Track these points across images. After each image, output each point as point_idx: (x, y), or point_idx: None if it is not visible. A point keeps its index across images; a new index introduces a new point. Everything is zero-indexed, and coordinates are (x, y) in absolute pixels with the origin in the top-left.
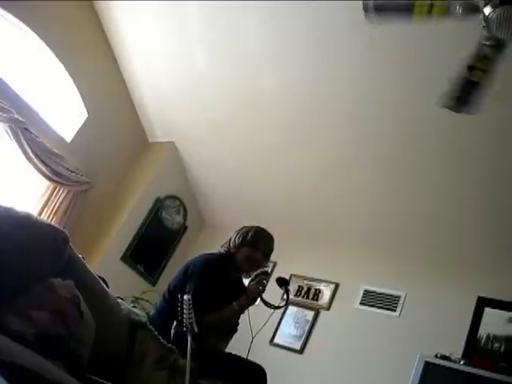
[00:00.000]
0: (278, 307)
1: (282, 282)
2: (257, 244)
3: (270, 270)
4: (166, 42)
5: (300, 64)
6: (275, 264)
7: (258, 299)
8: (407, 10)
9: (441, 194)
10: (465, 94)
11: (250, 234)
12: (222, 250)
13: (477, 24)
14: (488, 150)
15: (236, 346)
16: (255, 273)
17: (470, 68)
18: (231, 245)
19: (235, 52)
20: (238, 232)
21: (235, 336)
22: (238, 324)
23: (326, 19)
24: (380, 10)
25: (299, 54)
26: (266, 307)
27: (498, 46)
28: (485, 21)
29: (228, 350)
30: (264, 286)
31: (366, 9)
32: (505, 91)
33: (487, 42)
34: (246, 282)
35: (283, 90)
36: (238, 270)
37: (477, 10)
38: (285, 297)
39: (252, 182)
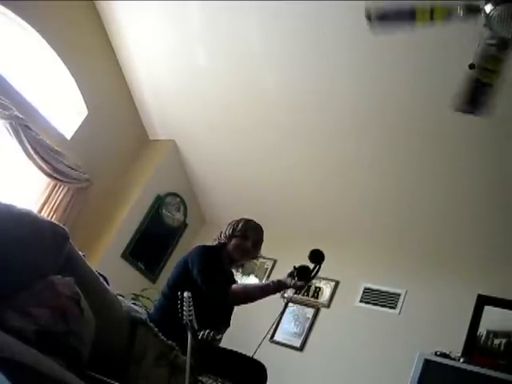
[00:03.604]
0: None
1: (317, 258)
2: (246, 234)
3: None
4: (167, 41)
5: (301, 64)
6: (275, 261)
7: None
8: (409, 16)
9: (441, 192)
10: (476, 96)
11: (239, 225)
12: (214, 243)
13: (477, 23)
14: (488, 146)
15: (238, 344)
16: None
17: (479, 69)
18: (222, 236)
19: (236, 51)
20: (228, 225)
21: (237, 335)
22: (230, 319)
23: (326, 19)
24: (382, 18)
25: (300, 54)
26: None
27: (502, 44)
28: (486, 19)
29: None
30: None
31: (369, 17)
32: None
33: (492, 42)
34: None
35: (284, 88)
36: (231, 260)
37: (478, 10)
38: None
39: (252, 179)
